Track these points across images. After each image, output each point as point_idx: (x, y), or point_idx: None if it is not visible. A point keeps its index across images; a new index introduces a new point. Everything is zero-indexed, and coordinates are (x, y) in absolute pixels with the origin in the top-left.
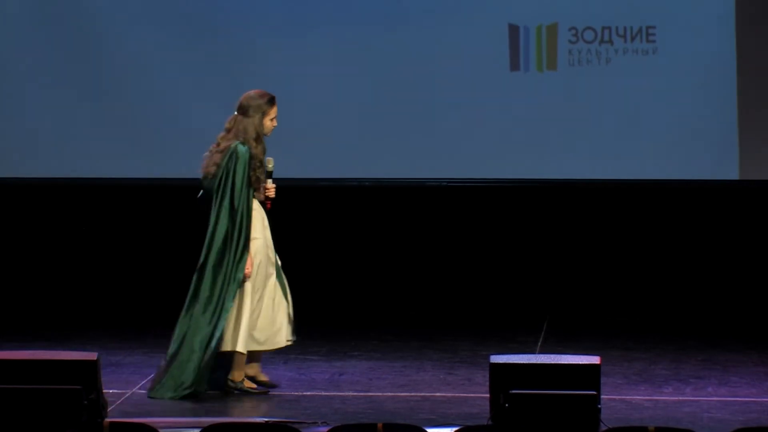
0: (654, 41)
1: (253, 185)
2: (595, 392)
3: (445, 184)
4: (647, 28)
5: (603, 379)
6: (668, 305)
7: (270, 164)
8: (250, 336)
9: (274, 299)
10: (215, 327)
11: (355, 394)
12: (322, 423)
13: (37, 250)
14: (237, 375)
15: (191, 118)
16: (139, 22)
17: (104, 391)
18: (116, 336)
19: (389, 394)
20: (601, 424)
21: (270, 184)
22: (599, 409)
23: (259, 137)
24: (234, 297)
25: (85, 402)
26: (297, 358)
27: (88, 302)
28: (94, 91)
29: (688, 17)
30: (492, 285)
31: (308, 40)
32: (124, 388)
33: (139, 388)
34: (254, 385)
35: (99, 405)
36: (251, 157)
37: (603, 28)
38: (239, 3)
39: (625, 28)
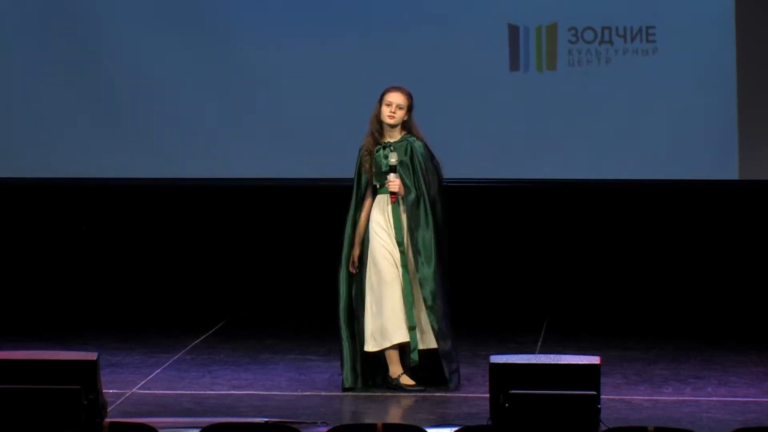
0: (654, 41)
1: (365, 174)
2: (594, 392)
3: (444, 184)
4: (647, 28)
5: (603, 379)
6: (667, 305)
7: (392, 158)
8: (370, 335)
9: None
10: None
11: (355, 394)
12: (322, 423)
13: (37, 250)
14: (393, 371)
15: (191, 118)
16: (139, 22)
17: (104, 391)
18: (116, 336)
19: (389, 394)
20: (601, 424)
21: (392, 178)
22: (599, 409)
23: (378, 123)
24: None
25: (85, 402)
26: (297, 358)
27: (88, 302)
28: (94, 91)
29: (688, 17)
30: (492, 285)
31: (308, 40)
32: (124, 388)
33: (139, 388)
34: (412, 382)
35: (98, 405)
36: (363, 147)
37: (603, 29)
38: (240, 3)
39: (625, 28)
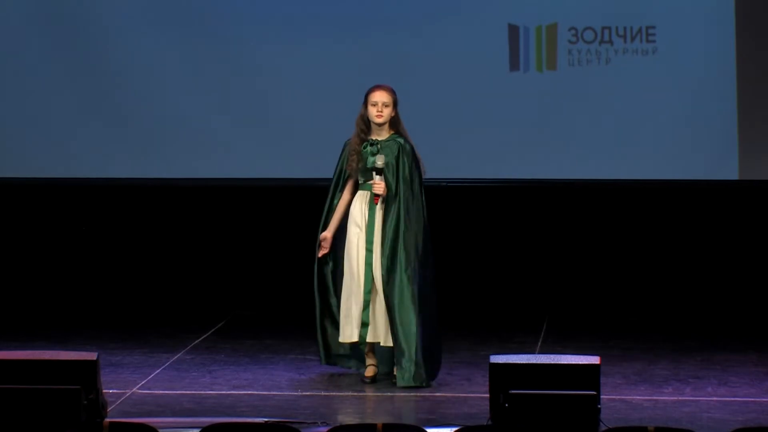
0: (654, 41)
1: (349, 173)
2: (594, 392)
3: (445, 184)
4: (647, 28)
5: (602, 379)
6: (667, 305)
7: (379, 161)
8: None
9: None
10: None
11: (355, 394)
12: (322, 423)
13: (37, 250)
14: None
15: (191, 118)
16: (138, 21)
17: (104, 391)
18: (116, 336)
19: (389, 394)
20: (601, 424)
21: (377, 180)
22: (599, 409)
23: (365, 123)
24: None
25: (85, 402)
26: (297, 358)
27: (88, 302)
28: (93, 91)
29: (688, 17)
30: (492, 285)
31: (308, 40)
32: (124, 388)
33: (139, 388)
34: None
35: (98, 405)
36: (349, 145)
37: (603, 28)
38: (241, 5)
39: (625, 28)
